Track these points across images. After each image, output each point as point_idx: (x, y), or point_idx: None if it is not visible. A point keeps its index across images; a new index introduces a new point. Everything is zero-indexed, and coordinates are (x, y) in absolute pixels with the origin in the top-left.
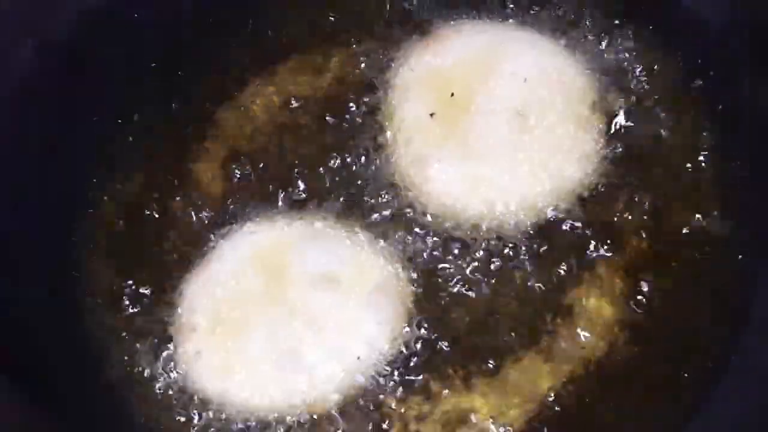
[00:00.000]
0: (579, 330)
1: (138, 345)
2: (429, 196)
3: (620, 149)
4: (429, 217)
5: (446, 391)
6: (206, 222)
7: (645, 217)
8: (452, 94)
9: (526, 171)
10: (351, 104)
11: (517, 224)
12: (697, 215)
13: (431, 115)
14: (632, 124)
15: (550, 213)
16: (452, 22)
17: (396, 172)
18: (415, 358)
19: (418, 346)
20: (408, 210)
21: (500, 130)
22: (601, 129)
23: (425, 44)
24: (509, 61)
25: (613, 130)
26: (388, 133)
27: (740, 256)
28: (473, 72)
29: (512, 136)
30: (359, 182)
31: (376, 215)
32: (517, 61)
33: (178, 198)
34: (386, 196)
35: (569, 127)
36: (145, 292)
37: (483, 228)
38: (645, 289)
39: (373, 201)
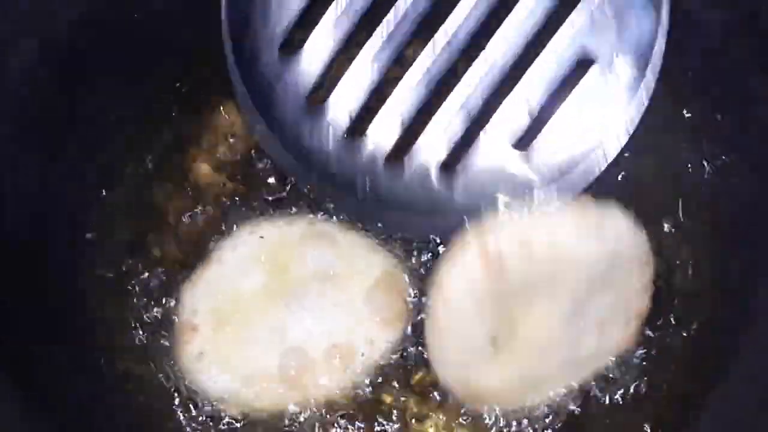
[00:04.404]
0: None
1: (139, 346)
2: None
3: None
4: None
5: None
6: (206, 222)
7: (646, 216)
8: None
9: None
10: None
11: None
12: (698, 214)
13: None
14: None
15: None
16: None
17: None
18: (415, 357)
19: (419, 345)
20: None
21: None
22: None
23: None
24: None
25: None
26: None
27: (741, 255)
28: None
29: None
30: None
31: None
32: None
33: (178, 199)
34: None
35: None
36: (146, 293)
37: None
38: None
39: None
